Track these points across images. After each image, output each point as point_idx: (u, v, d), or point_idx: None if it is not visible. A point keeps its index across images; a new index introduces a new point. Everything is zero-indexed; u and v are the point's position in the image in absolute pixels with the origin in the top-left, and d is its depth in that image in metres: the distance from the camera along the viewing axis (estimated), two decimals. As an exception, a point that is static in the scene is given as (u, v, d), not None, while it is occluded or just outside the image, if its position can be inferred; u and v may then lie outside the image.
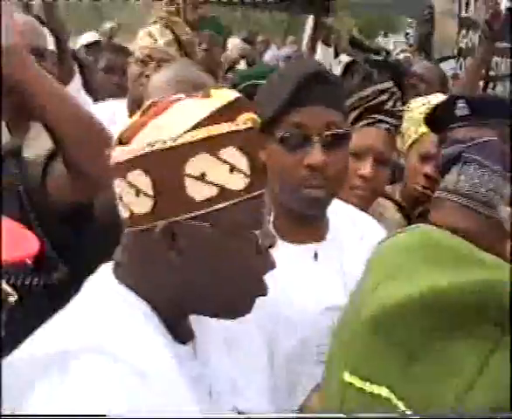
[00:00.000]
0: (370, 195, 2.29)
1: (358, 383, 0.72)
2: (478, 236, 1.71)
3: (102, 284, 1.28)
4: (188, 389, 1.24)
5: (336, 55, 6.83)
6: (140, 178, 1.20)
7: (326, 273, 1.77)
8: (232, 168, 1.21)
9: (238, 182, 1.21)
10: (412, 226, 1.21)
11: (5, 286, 0.82)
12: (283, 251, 1.73)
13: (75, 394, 1.12)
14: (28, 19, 2.73)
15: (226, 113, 1.21)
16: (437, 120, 2.60)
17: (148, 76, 3.27)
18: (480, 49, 3.90)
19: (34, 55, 2.44)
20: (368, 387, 0.72)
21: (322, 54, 4.16)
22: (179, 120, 1.20)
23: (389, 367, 0.70)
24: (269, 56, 6.48)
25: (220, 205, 1.20)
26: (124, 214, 1.25)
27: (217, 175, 1.20)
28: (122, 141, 1.24)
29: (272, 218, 1.77)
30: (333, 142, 1.69)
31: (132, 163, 1.21)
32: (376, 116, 2.27)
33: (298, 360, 1.70)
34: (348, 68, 4.01)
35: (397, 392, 0.69)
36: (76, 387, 1.13)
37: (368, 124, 2.27)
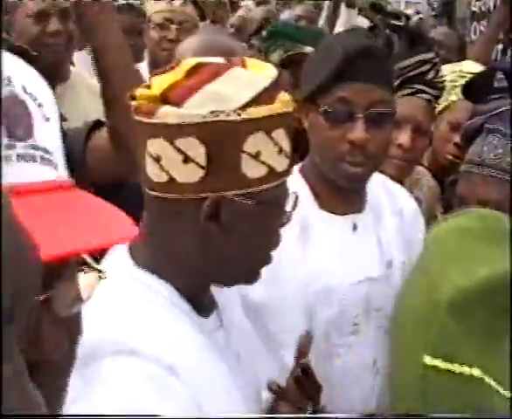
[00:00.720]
0: (408, 165, 2.27)
1: (443, 365, 0.72)
2: (506, 204, 1.71)
3: (119, 268, 1.23)
4: (218, 367, 1.24)
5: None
6: (193, 146, 1.16)
7: (364, 244, 1.78)
8: (281, 150, 1.21)
9: (282, 163, 1.22)
10: (466, 210, 1.22)
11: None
12: (323, 221, 1.76)
13: (107, 399, 1.10)
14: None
15: (272, 90, 1.20)
16: (475, 90, 2.60)
17: (170, 40, 3.24)
18: (498, 12, 3.81)
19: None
20: (457, 367, 0.72)
21: (346, 16, 4.09)
22: (238, 91, 1.17)
23: (473, 346, 0.73)
24: (286, 17, 6.38)
25: (269, 185, 1.20)
26: (157, 178, 1.19)
27: (269, 155, 1.19)
28: (169, 101, 1.17)
29: (309, 187, 1.78)
30: (377, 120, 1.69)
31: (186, 128, 1.16)
32: (416, 86, 2.25)
33: (336, 330, 1.72)
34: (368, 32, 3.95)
35: (487, 370, 0.72)
36: (107, 391, 1.11)
37: (408, 94, 2.24)
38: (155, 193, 1.21)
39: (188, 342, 1.20)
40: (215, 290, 1.35)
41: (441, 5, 6.98)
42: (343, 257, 1.74)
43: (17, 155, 0.76)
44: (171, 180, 1.18)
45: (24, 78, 0.83)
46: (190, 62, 1.22)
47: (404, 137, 2.20)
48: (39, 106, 0.82)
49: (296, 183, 1.73)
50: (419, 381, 0.76)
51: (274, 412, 1.42)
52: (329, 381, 1.64)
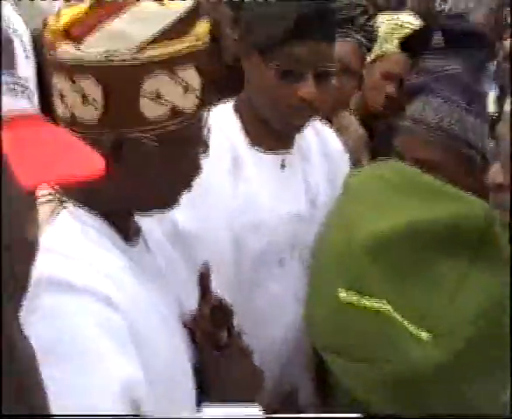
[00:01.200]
0: (336, 104, 2.32)
1: (357, 299, 0.79)
2: (441, 167, 1.77)
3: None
4: (152, 301, 1.26)
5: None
6: (91, 86, 1.16)
7: (291, 182, 1.83)
8: (187, 88, 1.18)
9: (189, 102, 1.20)
10: (383, 160, 1.26)
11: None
12: (253, 158, 1.81)
13: (45, 330, 1.08)
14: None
15: (184, 24, 1.18)
16: (412, 46, 2.64)
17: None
18: None
19: None
20: (367, 300, 0.80)
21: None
22: (138, 29, 1.15)
23: (384, 284, 0.80)
24: None
25: (171, 126, 1.19)
26: (63, 114, 1.20)
27: (172, 94, 1.17)
28: (70, 37, 1.16)
29: (241, 124, 1.81)
30: (324, 76, 1.73)
31: (83, 69, 1.15)
32: (346, 30, 2.29)
33: (262, 262, 1.78)
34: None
35: (395, 304, 0.80)
36: (45, 322, 1.10)
37: (339, 36, 2.23)
38: (68, 127, 1.19)
39: (121, 273, 1.22)
40: None
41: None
42: (271, 194, 1.79)
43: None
44: (74, 118, 1.19)
45: (8, 15, 0.84)
46: None
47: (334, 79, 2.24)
48: (21, 41, 0.84)
49: (228, 119, 1.80)
50: (334, 312, 0.83)
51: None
52: (254, 311, 1.72)
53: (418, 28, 2.69)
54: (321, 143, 1.92)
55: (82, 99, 1.16)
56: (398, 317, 0.78)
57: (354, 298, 0.81)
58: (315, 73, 1.70)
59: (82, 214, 1.24)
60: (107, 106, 1.16)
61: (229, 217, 1.73)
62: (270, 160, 1.81)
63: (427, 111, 1.85)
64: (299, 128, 1.80)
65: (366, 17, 2.32)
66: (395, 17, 2.80)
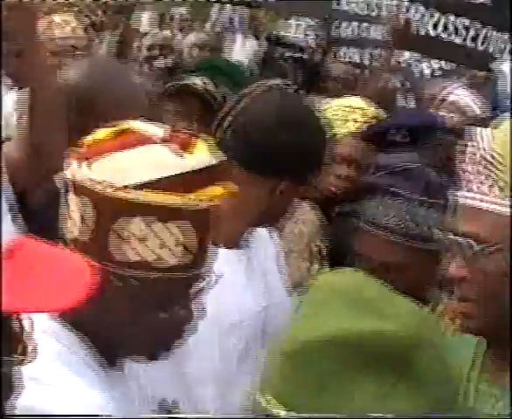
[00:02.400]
0: None
1: (264, 402, 0.80)
2: (403, 267, 1.79)
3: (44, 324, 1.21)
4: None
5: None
6: (87, 207, 1.19)
7: (255, 277, 1.87)
8: (163, 245, 1.17)
9: (166, 259, 1.19)
10: (347, 269, 1.27)
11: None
12: (228, 257, 1.78)
13: None
14: None
15: (185, 181, 1.17)
16: (376, 139, 2.70)
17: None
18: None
19: None
20: (275, 408, 0.79)
21: (248, 45, 4.14)
22: (133, 169, 1.17)
23: (299, 396, 0.78)
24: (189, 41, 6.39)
25: (141, 275, 1.18)
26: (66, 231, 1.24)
27: (143, 244, 1.17)
28: (86, 157, 1.20)
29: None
30: None
31: (79, 188, 1.19)
32: None
33: (239, 359, 1.79)
34: (263, 63, 4.04)
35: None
36: None
37: None
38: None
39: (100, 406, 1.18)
40: None
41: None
42: (245, 289, 1.82)
43: None
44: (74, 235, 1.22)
45: None
46: (124, 125, 1.23)
47: None
48: None
49: None
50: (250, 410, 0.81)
51: None
52: (231, 410, 1.72)
53: (382, 122, 2.79)
54: (260, 237, 1.96)
55: (68, 216, 1.21)
56: None
57: (262, 400, 0.80)
58: None
59: (65, 337, 1.22)
60: (83, 229, 1.18)
61: (214, 326, 1.69)
62: (239, 257, 1.84)
63: (386, 215, 1.86)
64: None
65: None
66: (346, 101, 2.85)
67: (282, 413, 0.76)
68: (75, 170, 1.20)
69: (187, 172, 1.17)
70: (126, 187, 1.15)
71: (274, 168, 1.77)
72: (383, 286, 0.87)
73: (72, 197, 1.20)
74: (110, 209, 1.16)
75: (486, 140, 1.33)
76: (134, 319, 1.23)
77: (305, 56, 4.34)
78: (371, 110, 2.85)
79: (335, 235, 2.57)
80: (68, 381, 1.18)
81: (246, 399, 1.69)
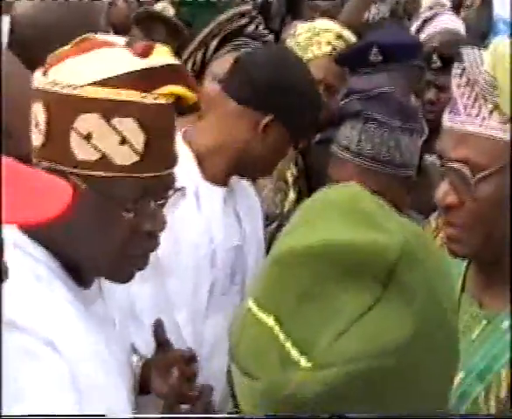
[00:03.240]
0: None
1: (255, 309, 0.77)
2: (381, 193, 1.75)
3: (5, 232, 1.20)
4: (97, 341, 1.24)
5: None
6: (39, 111, 1.18)
7: (230, 214, 1.92)
8: (123, 141, 1.15)
9: (125, 157, 1.16)
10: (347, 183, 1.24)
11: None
12: (206, 190, 1.87)
13: None
14: None
15: (144, 78, 1.16)
16: (348, 61, 2.63)
17: None
18: None
19: None
20: (260, 313, 0.77)
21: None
22: (90, 68, 1.15)
23: (281, 300, 0.76)
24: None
25: (98, 173, 1.16)
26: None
27: (105, 141, 1.15)
28: (45, 67, 1.20)
29: (196, 158, 1.86)
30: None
31: (37, 93, 1.19)
32: (239, 39, 2.24)
33: (211, 293, 1.84)
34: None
35: (282, 323, 0.75)
36: None
37: (231, 50, 2.23)
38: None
39: (66, 315, 1.20)
40: None
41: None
42: (220, 224, 1.87)
43: None
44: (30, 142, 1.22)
45: None
46: (85, 35, 1.22)
47: None
48: None
49: (186, 157, 1.78)
50: (241, 319, 0.79)
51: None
52: (205, 344, 1.80)
53: (354, 43, 2.72)
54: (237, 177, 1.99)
55: (35, 124, 1.19)
56: (282, 337, 0.75)
57: (254, 307, 0.78)
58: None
59: (33, 248, 1.22)
60: (47, 134, 1.17)
61: (193, 248, 1.80)
62: (218, 192, 1.88)
63: (362, 141, 1.83)
64: None
65: (255, 24, 2.27)
66: (312, 24, 2.80)
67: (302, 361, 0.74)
68: (37, 79, 1.20)
69: (146, 69, 1.16)
70: (82, 86, 1.14)
71: (259, 98, 1.79)
72: (380, 201, 0.84)
73: (35, 107, 1.20)
74: (69, 109, 1.15)
75: (474, 60, 1.29)
76: (100, 226, 1.21)
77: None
78: (340, 31, 2.79)
79: (315, 163, 2.55)
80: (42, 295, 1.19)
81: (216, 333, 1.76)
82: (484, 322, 1.38)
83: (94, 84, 1.14)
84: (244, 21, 2.25)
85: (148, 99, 1.15)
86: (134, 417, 1.26)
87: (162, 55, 1.20)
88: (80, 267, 1.26)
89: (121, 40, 1.22)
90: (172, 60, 1.21)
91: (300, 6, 4.48)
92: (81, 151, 1.15)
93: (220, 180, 1.88)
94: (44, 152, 1.18)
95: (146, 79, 1.15)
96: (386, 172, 1.82)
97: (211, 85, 2.16)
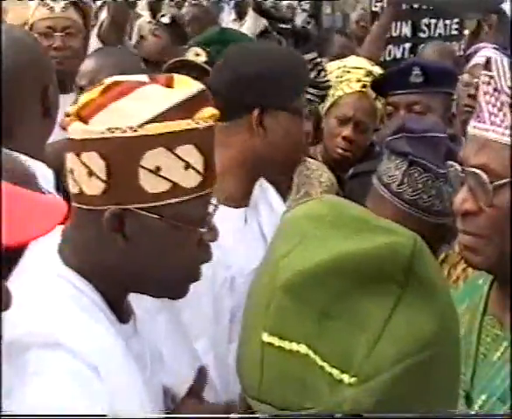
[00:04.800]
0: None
1: (277, 342, 0.76)
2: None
3: (47, 265, 1.27)
4: (134, 373, 1.27)
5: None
6: (94, 160, 1.20)
7: (253, 235, 1.87)
8: (188, 166, 1.22)
9: (191, 180, 1.23)
10: (319, 196, 1.23)
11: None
12: (223, 214, 1.78)
13: (30, 390, 1.13)
14: None
15: (188, 107, 1.22)
16: (387, 84, 2.68)
17: (56, 48, 3.15)
18: (386, 12, 3.87)
19: None
20: (287, 345, 0.76)
21: (252, 23, 4.13)
22: (140, 108, 1.20)
23: (305, 325, 0.75)
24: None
25: (171, 201, 1.22)
26: (73, 189, 1.26)
27: (172, 170, 1.21)
28: (81, 117, 1.23)
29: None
30: None
31: (88, 144, 1.21)
32: None
33: (234, 319, 1.78)
34: (261, 36, 4.02)
35: (314, 347, 0.74)
36: (33, 383, 1.14)
37: None
38: (73, 202, 1.27)
39: (110, 345, 1.24)
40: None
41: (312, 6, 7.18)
42: (240, 248, 1.81)
43: None
44: (81, 192, 1.24)
45: None
46: (108, 80, 1.26)
47: None
48: None
49: None
50: (257, 356, 0.79)
51: None
52: (227, 368, 1.70)
53: (396, 68, 2.77)
54: (263, 194, 1.97)
55: (88, 174, 1.21)
56: (319, 360, 0.74)
57: (275, 341, 0.77)
58: None
59: (77, 280, 1.26)
60: (110, 179, 1.20)
61: (208, 278, 1.69)
62: (236, 215, 1.84)
63: (405, 184, 1.81)
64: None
65: (317, 71, 2.32)
66: (342, 63, 2.83)
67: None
68: (78, 130, 1.22)
69: (188, 97, 1.22)
70: (142, 125, 1.19)
71: (236, 101, 1.77)
72: (358, 205, 0.84)
73: (83, 158, 1.22)
74: (134, 149, 1.19)
75: (502, 69, 1.28)
76: (172, 248, 1.27)
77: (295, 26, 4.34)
78: (370, 68, 2.83)
79: (351, 196, 2.55)
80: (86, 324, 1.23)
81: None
82: (505, 344, 1.35)
83: (151, 121, 1.19)
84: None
85: (201, 124, 1.22)
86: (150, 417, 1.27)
87: (186, 83, 1.27)
88: (140, 290, 1.32)
89: (144, 77, 1.27)
90: (201, 86, 1.27)
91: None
92: (151, 185, 1.20)
93: (239, 200, 1.84)
94: (107, 199, 1.21)
95: (189, 107, 1.22)
96: (423, 218, 1.80)
97: None
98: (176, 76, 1.28)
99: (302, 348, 0.75)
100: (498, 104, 1.29)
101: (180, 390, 1.49)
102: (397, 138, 1.89)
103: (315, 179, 2.56)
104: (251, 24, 4.20)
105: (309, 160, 2.58)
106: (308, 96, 2.29)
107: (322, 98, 2.39)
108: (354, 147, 2.77)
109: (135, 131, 1.18)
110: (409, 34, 4.22)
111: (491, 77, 1.30)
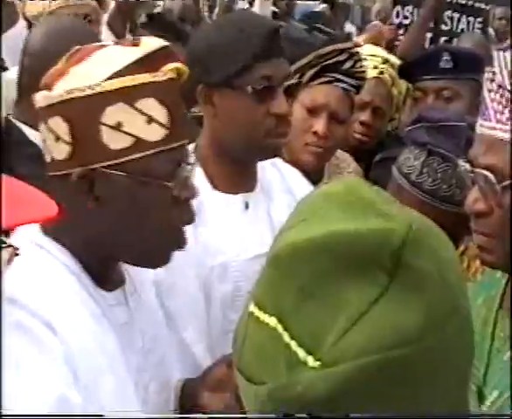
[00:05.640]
0: (324, 152, 2.28)
1: (257, 312, 0.75)
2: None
3: (26, 235, 1.26)
4: (108, 339, 1.26)
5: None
6: (58, 124, 1.21)
7: (255, 222, 1.81)
8: (150, 119, 1.21)
9: (154, 134, 1.22)
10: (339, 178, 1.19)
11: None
12: (216, 201, 1.77)
13: None
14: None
15: (148, 62, 1.22)
16: (415, 70, 2.66)
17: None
18: (427, 4, 3.75)
19: None
20: (261, 315, 0.74)
21: (260, 7, 4.11)
22: (99, 68, 1.21)
23: (282, 299, 0.73)
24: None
25: (135, 155, 1.21)
26: (46, 158, 1.27)
27: (134, 125, 1.20)
28: (46, 86, 1.25)
29: (202, 169, 1.78)
30: (289, 93, 1.74)
31: (52, 109, 1.22)
32: (332, 75, 2.26)
33: (231, 307, 1.74)
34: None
35: (285, 323, 0.72)
36: None
37: (324, 82, 2.24)
38: (48, 172, 1.27)
39: (73, 306, 1.22)
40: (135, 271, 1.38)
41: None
42: (236, 235, 1.77)
43: None
44: (52, 159, 1.25)
45: None
46: (73, 49, 1.27)
47: (319, 125, 2.22)
48: None
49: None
50: (244, 326, 0.76)
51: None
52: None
53: (423, 53, 2.76)
54: (283, 180, 1.91)
55: (55, 139, 1.22)
56: (286, 337, 0.71)
57: (256, 311, 0.75)
58: (283, 90, 1.70)
59: (51, 246, 1.26)
60: (74, 141, 1.20)
61: (195, 265, 1.70)
62: (233, 201, 1.79)
63: (424, 174, 1.78)
64: (280, 151, 1.78)
65: (352, 61, 2.28)
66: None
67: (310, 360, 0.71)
68: (44, 97, 1.23)
69: (147, 53, 1.22)
70: (100, 83, 1.19)
71: (192, 71, 1.65)
72: (380, 190, 0.80)
73: (50, 124, 1.22)
74: (94, 107, 1.19)
75: (503, 64, 1.25)
76: (142, 208, 1.25)
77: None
78: (387, 56, 2.84)
79: (377, 181, 2.51)
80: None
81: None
82: None
83: (109, 78, 1.19)
84: (342, 57, 2.26)
85: (160, 77, 1.22)
86: (146, 417, 1.25)
87: (152, 41, 1.27)
88: (118, 257, 1.31)
89: (108, 42, 1.29)
90: (164, 42, 1.26)
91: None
92: (114, 141, 1.20)
93: (231, 185, 1.78)
94: (73, 161, 1.21)
95: (150, 62, 1.22)
96: (444, 208, 1.76)
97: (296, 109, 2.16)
98: (145, 38, 1.28)
99: (272, 321, 0.72)
100: (503, 101, 1.26)
101: (166, 379, 1.44)
102: (416, 128, 1.85)
103: (344, 169, 2.53)
104: (258, 10, 4.19)
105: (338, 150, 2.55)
106: (344, 85, 2.25)
107: (358, 88, 2.32)
108: (372, 132, 2.77)
109: (93, 89, 1.18)
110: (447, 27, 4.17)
111: (494, 73, 1.27)
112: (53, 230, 1.26)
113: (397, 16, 4.27)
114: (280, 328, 0.72)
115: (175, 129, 1.23)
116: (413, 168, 1.80)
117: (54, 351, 1.15)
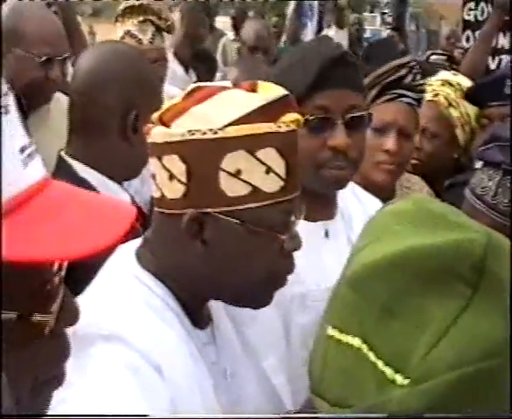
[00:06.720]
0: (396, 169, 2.26)
1: (337, 335, 0.75)
2: None
3: (124, 267, 1.28)
4: (204, 379, 1.26)
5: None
6: (175, 163, 1.20)
7: (336, 250, 1.76)
8: (269, 170, 1.20)
9: (272, 184, 1.21)
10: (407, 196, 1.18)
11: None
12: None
13: (90, 382, 1.12)
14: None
15: (270, 111, 1.21)
16: (482, 95, 2.65)
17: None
18: (491, 21, 3.67)
19: None
20: (343, 337, 0.74)
21: (335, 37, 4.13)
22: (221, 111, 1.20)
23: (364, 320, 0.73)
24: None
25: (251, 205, 1.20)
26: (155, 194, 1.26)
27: (253, 174, 1.19)
28: (163, 122, 1.24)
29: None
30: (354, 124, 1.69)
31: (169, 147, 1.21)
32: (395, 91, 2.24)
33: (311, 337, 1.67)
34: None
35: (369, 343, 0.72)
36: (92, 375, 1.13)
37: (388, 100, 2.24)
38: (155, 208, 1.28)
39: (177, 347, 1.23)
40: (215, 305, 1.38)
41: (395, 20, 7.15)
42: (316, 263, 1.75)
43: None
44: (163, 196, 1.24)
45: None
46: (191, 86, 1.27)
47: (389, 142, 2.21)
48: None
49: None
50: (322, 351, 0.77)
51: None
52: (305, 390, 1.63)
53: (488, 78, 2.74)
54: (362, 207, 1.89)
55: (169, 177, 1.21)
56: (372, 357, 0.72)
57: (336, 334, 0.76)
58: (345, 122, 1.67)
59: (151, 281, 1.26)
60: (190, 182, 1.20)
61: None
62: (313, 228, 1.76)
63: (499, 195, 1.76)
64: (341, 183, 1.74)
65: (413, 75, 2.26)
66: None
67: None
68: (160, 134, 1.22)
69: (269, 102, 1.21)
70: (222, 128, 1.18)
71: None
72: (449, 205, 0.81)
73: (165, 161, 1.22)
74: (215, 152, 1.18)
75: None
76: (251, 254, 1.25)
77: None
78: (449, 78, 2.82)
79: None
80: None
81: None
82: None
83: (232, 124, 1.18)
84: (401, 72, 2.25)
85: (283, 128, 1.21)
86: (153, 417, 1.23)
87: (270, 88, 1.26)
88: (219, 298, 1.31)
89: (227, 83, 1.28)
90: (284, 91, 1.25)
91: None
92: (232, 188, 1.19)
93: (312, 214, 1.70)
94: (186, 201, 1.21)
95: (272, 111, 1.21)
96: None
97: None
98: (260, 82, 1.27)
99: (356, 342, 0.73)
100: None
101: (242, 409, 1.41)
102: (488, 148, 1.83)
103: (416, 192, 2.51)
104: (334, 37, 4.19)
105: (409, 174, 2.53)
106: (408, 100, 2.24)
107: (419, 101, 2.30)
108: (421, 155, 2.75)
109: (216, 133, 1.17)
110: (507, 46, 4.03)
111: None
112: (152, 264, 1.27)
113: (468, 40, 4.22)
114: (364, 348, 0.72)
115: (290, 181, 1.23)
116: (488, 189, 1.77)
117: (162, 396, 1.16)
